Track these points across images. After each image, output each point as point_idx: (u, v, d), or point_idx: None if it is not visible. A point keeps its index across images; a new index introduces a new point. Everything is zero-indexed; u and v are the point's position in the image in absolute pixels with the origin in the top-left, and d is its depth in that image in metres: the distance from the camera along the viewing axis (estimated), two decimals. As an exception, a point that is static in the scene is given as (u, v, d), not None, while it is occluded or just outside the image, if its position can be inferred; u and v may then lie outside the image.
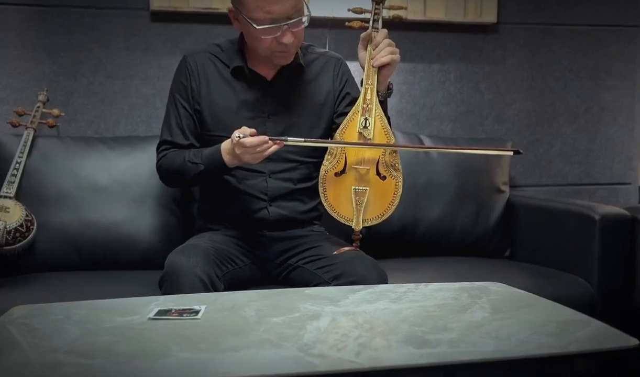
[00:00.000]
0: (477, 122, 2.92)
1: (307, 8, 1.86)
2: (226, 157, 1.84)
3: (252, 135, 1.76)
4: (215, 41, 2.08)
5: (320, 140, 1.95)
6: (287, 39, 1.85)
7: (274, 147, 1.78)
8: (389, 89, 1.91)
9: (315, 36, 2.68)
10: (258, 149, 1.76)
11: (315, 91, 2.03)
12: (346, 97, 2.03)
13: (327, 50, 2.15)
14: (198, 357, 1.15)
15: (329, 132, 2.05)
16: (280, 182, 1.99)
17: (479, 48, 2.90)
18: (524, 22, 2.92)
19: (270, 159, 1.96)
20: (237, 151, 1.78)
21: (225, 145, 1.84)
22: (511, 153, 1.86)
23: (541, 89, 2.97)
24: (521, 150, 1.81)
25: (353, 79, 2.09)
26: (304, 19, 1.86)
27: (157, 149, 2.03)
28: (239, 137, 1.75)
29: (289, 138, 1.79)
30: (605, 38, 2.99)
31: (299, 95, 2.01)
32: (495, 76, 2.92)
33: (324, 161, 1.87)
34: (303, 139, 1.81)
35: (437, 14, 2.78)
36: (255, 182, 1.98)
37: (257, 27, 1.83)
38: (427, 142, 2.63)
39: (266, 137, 1.76)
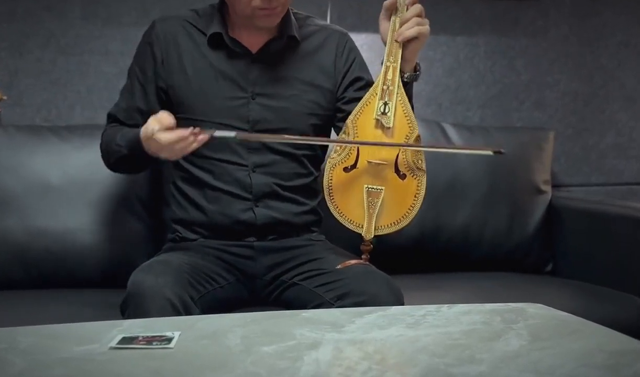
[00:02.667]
0: (512, 108, 2.92)
1: None
2: (147, 146, 1.86)
3: (169, 128, 1.79)
4: (193, 8, 2.09)
5: (266, 135, 1.94)
6: None
7: (195, 145, 1.80)
8: (417, 71, 1.91)
9: (314, 3, 2.68)
10: (177, 147, 1.80)
11: (312, 70, 2.04)
12: (357, 81, 2.04)
13: (329, 23, 2.16)
14: (171, 395, 1.15)
15: (330, 122, 2.07)
16: (266, 177, 2.00)
17: (514, 17, 2.90)
18: (569, -14, 2.94)
19: (253, 149, 1.98)
20: (153, 148, 1.83)
21: (145, 131, 1.85)
22: (490, 153, 1.84)
23: (591, 67, 2.98)
24: (503, 150, 1.80)
25: (362, 58, 2.10)
26: None
27: (107, 121, 2.10)
28: (153, 130, 1.79)
29: (217, 131, 1.82)
30: (669, 5, 3.01)
31: (291, 73, 2.03)
32: (534, 51, 2.93)
33: (332, 153, 1.88)
34: (234, 134, 1.85)
35: (463, -24, 2.79)
36: (236, 178, 1.99)
37: None
38: (451, 131, 2.64)
39: (186, 132, 1.78)
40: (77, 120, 2.60)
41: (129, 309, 1.73)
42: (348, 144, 1.86)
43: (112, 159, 2.01)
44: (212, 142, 1.84)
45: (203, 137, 1.79)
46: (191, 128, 1.78)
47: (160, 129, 1.79)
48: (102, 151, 2.06)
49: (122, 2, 2.64)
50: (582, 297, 2.26)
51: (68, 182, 2.31)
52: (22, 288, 2.22)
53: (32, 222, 2.26)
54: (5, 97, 2.47)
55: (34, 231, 2.25)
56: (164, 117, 1.81)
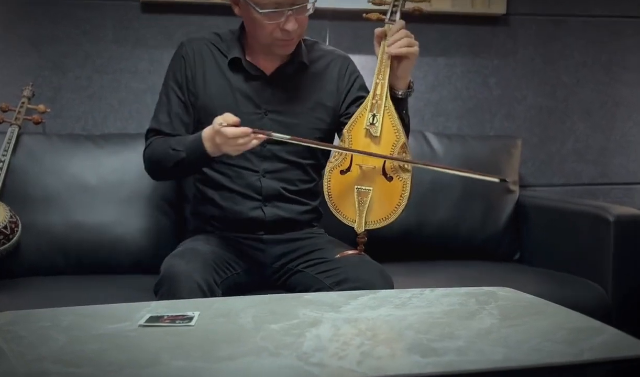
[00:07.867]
0: (486, 119, 2.92)
1: None
2: (207, 145, 1.80)
3: (235, 125, 1.74)
4: (215, 31, 2.07)
5: (307, 140, 1.89)
6: (291, 25, 1.85)
7: (255, 142, 1.75)
8: (410, 88, 1.88)
9: (314, 28, 2.68)
10: (240, 141, 1.74)
11: (318, 90, 2.02)
12: (358, 100, 2.00)
13: (335, 48, 2.14)
14: (191, 366, 1.15)
15: (332, 135, 2.05)
16: (274, 182, 1.98)
17: (487, 41, 2.90)
18: (535, 13, 2.93)
19: (264, 157, 1.97)
20: (218, 140, 1.76)
21: (207, 132, 1.80)
22: (497, 180, 1.83)
23: (553, 84, 2.97)
24: (508, 179, 1.81)
25: (362, 79, 2.07)
26: (309, 5, 1.86)
27: (145, 137, 2.03)
28: (220, 124, 1.74)
29: (273, 133, 1.77)
30: (622, 30, 3.00)
31: (300, 93, 2.01)
32: (504, 70, 2.93)
33: (331, 158, 1.87)
34: (289, 136, 1.78)
35: (443, 5, 2.78)
36: (248, 181, 1.98)
37: (261, 11, 1.83)
38: (433, 139, 2.64)
39: (249, 129, 1.73)
40: (110, 129, 2.60)
41: (163, 289, 1.72)
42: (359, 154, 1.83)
43: (169, 164, 1.90)
44: (269, 141, 1.80)
45: (262, 135, 1.75)
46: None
47: (226, 124, 1.74)
48: (150, 162, 1.98)
49: (148, 27, 2.63)
50: (546, 282, 2.25)
51: (102, 183, 2.30)
52: (63, 274, 2.22)
53: (71, 217, 2.26)
54: (49, 110, 2.47)
55: (73, 225, 2.25)
56: (229, 116, 1.76)
